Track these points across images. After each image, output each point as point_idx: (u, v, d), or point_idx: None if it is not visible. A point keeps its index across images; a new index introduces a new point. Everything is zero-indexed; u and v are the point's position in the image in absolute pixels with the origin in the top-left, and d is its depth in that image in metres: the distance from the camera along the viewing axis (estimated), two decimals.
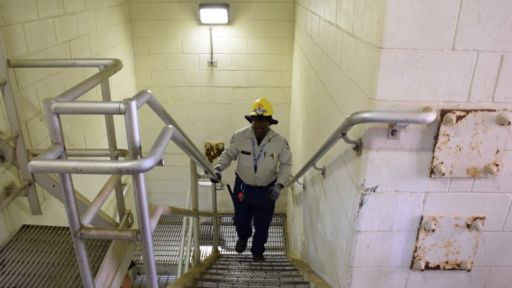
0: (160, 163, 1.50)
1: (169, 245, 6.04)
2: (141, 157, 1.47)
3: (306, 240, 3.88)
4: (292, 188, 5.39)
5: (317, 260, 3.11)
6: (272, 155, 4.15)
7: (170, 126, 1.75)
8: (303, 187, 4.11)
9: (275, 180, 4.34)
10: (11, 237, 2.57)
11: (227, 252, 5.77)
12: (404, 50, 1.57)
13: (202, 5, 5.40)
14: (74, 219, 1.65)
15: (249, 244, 5.17)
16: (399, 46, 1.56)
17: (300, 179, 4.09)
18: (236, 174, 4.48)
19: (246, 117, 4.27)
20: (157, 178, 6.54)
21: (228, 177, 5.18)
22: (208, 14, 5.42)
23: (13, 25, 2.62)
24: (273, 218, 4.90)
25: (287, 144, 4.24)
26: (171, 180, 6.56)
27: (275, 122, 4.18)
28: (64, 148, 1.54)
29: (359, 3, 1.86)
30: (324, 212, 2.80)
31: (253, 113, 4.01)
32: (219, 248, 5.58)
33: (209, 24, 5.58)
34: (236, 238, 5.18)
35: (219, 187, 4.94)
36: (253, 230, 4.96)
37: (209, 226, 6.44)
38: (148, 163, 1.39)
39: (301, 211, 4.46)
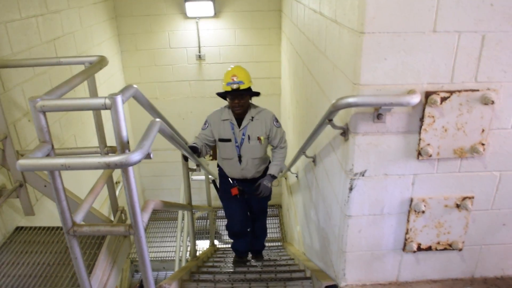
0: (148, 156, 1.50)
1: (165, 241, 6.06)
2: (129, 151, 1.47)
3: (301, 229, 3.90)
4: (285, 178, 5.41)
5: (312, 248, 3.13)
6: (259, 138, 3.29)
7: (157, 119, 1.76)
8: (296, 176, 4.13)
9: (266, 169, 3.53)
10: (4, 240, 2.56)
11: (224, 246, 5.80)
12: (386, 34, 1.58)
13: None
14: (66, 217, 1.65)
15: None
16: (380, 30, 1.57)
17: (293, 169, 4.10)
18: (218, 166, 3.65)
19: (218, 94, 3.32)
20: (150, 174, 6.53)
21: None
22: (194, 7, 5.40)
23: None
24: (268, 210, 4.17)
25: (277, 121, 3.38)
26: (164, 176, 6.56)
27: (257, 94, 3.29)
28: (52, 146, 1.54)
29: None
30: (316, 200, 2.82)
31: (227, 88, 3.13)
32: (216, 242, 5.61)
33: (195, 18, 5.56)
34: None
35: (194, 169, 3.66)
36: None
37: (205, 221, 6.46)
38: (135, 156, 1.39)
39: (295, 200, 4.48)
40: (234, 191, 3.49)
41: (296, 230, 4.23)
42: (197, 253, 3.83)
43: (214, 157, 6.19)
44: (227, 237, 5.88)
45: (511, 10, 1.55)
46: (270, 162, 3.56)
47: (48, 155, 1.52)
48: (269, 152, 3.63)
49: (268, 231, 6.05)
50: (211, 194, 5.07)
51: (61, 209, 1.64)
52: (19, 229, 2.67)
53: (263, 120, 3.30)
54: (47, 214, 3.06)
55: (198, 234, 6.08)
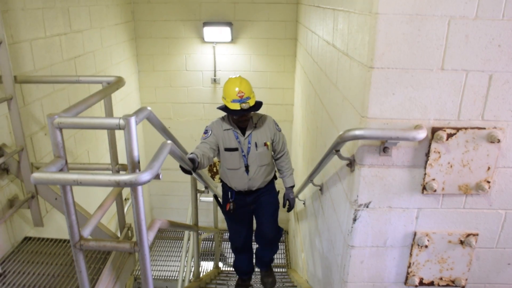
0: (157, 177, 1.55)
1: (170, 261, 6.05)
2: (139, 170, 1.52)
3: (306, 256, 3.89)
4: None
5: (315, 276, 3.12)
6: (265, 144, 3.13)
7: (169, 141, 1.81)
8: (304, 204, 4.14)
9: (272, 180, 3.40)
10: (13, 249, 2.61)
11: (228, 268, 5.77)
12: (394, 70, 1.62)
13: (206, 24, 5.51)
14: (74, 230, 1.70)
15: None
16: (389, 66, 1.62)
17: (301, 196, 4.11)
18: (221, 180, 3.40)
19: (220, 109, 3.07)
20: (159, 193, 6.58)
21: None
22: (211, 33, 5.53)
23: (20, 43, 2.71)
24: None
25: (277, 125, 3.24)
26: (173, 196, 6.59)
27: (261, 104, 3.06)
28: (66, 161, 1.60)
29: (353, 24, 1.93)
30: (321, 228, 2.82)
31: (234, 106, 2.90)
32: (220, 264, 5.58)
33: (212, 42, 5.69)
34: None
35: (202, 191, 3.81)
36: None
37: (211, 242, 6.45)
38: (145, 176, 1.44)
39: (301, 227, 4.47)
40: (227, 206, 3.28)
41: (301, 257, 4.21)
42: (201, 275, 3.83)
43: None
44: (231, 260, 5.87)
45: None
46: (275, 174, 3.41)
47: (61, 170, 1.58)
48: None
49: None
50: (218, 216, 5.09)
51: (70, 223, 1.68)
52: (27, 239, 2.72)
53: (266, 125, 3.15)
54: (55, 227, 3.11)
55: (203, 255, 6.06)
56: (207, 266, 5.89)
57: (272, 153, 3.28)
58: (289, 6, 5.55)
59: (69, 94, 3.39)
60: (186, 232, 4.72)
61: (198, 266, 3.46)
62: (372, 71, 1.63)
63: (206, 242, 6.48)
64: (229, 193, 3.29)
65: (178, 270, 5.59)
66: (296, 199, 3.97)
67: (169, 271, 5.78)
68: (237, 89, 2.89)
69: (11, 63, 2.29)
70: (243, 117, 3.00)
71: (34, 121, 2.89)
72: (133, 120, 1.50)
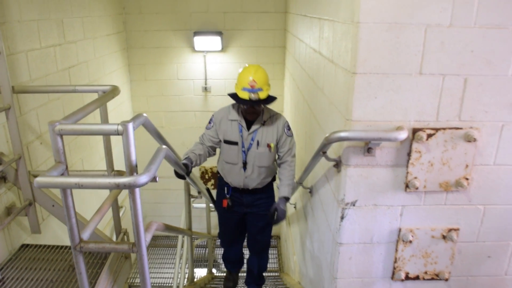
0: (154, 179, 1.63)
1: (163, 268, 6.09)
2: (137, 174, 1.60)
3: (297, 258, 3.97)
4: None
5: (307, 276, 3.20)
6: (268, 146, 2.92)
7: (164, 146, 1.89)
8: (294, 207, 4.23)
9: (271, 181, 3.20)
10: (10, 256, 2.66)
11: (222, 274, 5.82)
12: (376, 75, 1.73)
13: (196, 33, 5.62)
14: (74, 233, 1.76)
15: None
16: (371, 71, 1.73)
17: (292, 200, 4.20)
18: (218, 173, 3.25)
19: (230, 95, 2.90)
20: (152, 201, 6.63)
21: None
22: (202, 42, 5.63)
23: (17, 54, 2.79)
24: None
25: (289, 129, 2.99)
26: (165, 203, 6.65)
27: (273, 99, 2.88)
28: (66, 166, 1.68)
29: (337, 33, 2.04)
30: (312, 229, 2.92)
31: (243, 94, 2.76)
32: (214, 271, 5.63)
33: (203, 51, 5.79)
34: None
35: (195, 197, 3.79)
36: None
37: (204, 249, 6.50)
38: (143, 179, 1.53)
39: (293, 231, 4.56)
40: (224, 202, 3.14)
41: (292, 260, 4.29)
42: (195, 280, 3.89)
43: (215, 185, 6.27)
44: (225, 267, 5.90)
45: (489, 56, 1.70)
46: (275, 176, 3.21)
47: (62, 175, 1.65)
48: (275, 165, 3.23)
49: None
50: (211, 222, 5.16)
51: (70, 226, 1.75)
52: (24, 246, 2.77)
53: (275, 125, 2.93)
54: (51, 234, 3.16)
55: (196, 262, 6.10)
56: (200, 273, 5.93)
57: (276, 157, 3.10)
58: (277, 15, 5.68)
59: (63, 104, 3.46)
60: (180, 239, 4.78)
61: (192, 270, 3.53)
62: (355, 76, 1.74)
63: (199, 249, 6.53)
64: (226, 188, 3.14)
65: (172, 277, 5.64)
66: (288, 204, 4.01)
67: (162, 278, 5.82)
68: (250, 78, 2.74)
69: (9, 74, 2.37)
70: (250, 109, 2.82)
71: (30, 130, 2.95)
72: (130, 125, 1.59)
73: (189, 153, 2.89)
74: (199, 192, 3.42)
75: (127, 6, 5.58)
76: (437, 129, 1.81)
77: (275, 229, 6.74)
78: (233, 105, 2.99)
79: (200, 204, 5.21)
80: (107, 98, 2.23)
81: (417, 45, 1.69)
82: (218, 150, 3.13)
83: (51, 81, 3.26)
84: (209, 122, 3.02)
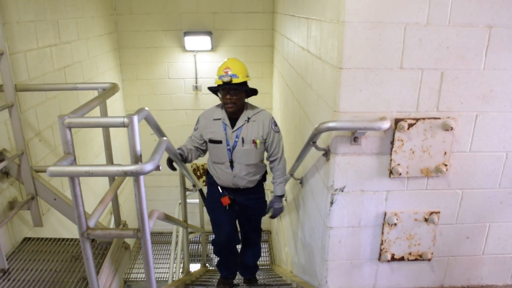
0: (157, 168, 1.76)
1: (159, 263, 6.20)
2: (142, 163, 1.73)
3: (289, 249, 4.12)
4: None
5: (299, 265, 3.35)
6: (254, 142, 2.93)
7: (165, 138, 2.02)
8: (285, 200, 4.37)
9: (262, 179, 3.21)
10: (13, 249, 2.76)
11: (215, 268, 5.94)
12: (360, 70, 1.88)
13: (186, 33, 5.73)
14: (82, 221, 1.88)
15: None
16: (356, 67, 1.88)
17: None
18: (207, 173, 3.26)
19: (210, 88, 3.02)
20: (146, 198, 6.71)
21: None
22: (192, 42, 5.75)
23: (16, 54, 2.88)
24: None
25: (276, 124, 3.02)
26: (158, 200, 6.74)
27: (254, 92, 2.99)
28: (75, 157, 1.80)
29: (324, 31, 2.19)
30: (303, 218, 3.06)
31: (218, 81, 2.83)
32: (207, 265, 5.76)
33: (193, 51, 5.91)
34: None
35: (190, 191, 3.78)
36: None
37: (197, 245, 6.62)
38: (148, 166, 1.65)
39: (284, 223, 4.71)
40: (225, 200, 3.10)
41: (284, 251, 4.44)
42: (190, 271, 4.01)
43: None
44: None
45: (463, 52, 1.87)
46: (266, 172, 3.23)
47: (71, 165, 1.77)
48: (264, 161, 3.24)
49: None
50: (204, 217, 5.27)
51: (78, 214, 1.86)
52: (27, 239, 2.87)
53: (260, 121, 2.95)
54: (51, 228, 3.26)
55: (190, 257, 6.22)
56: (194, 268, 6.05)
57: (266, 155, 3.13)
58: (265, 15, 5.82)
59: (60, 102, 3.55)
60: (174, 234, 4.91)
61: (188, 261, 3.65)
62: (341, 71, 1.89)
63: (193, 244, 6.64)
64: (219, 187, 3.14)
65: (167, 272, 5.75)
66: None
67: (158, 272, 5.93)
68: (225, 66, 2.84)
69: (11, 73, 2.47)
70: (227, 98, 2.85)
71: (29, 127, 3.05)
72: (135, 118, 1.71)
73: (182, 147, 3.02)
74: (194, 185, 3.54)
75: (118, 7, 5.68)
76: (417, 119, 1.97)
77: (266, 224, 6.89)
78: (217, 105, 3.07)
79: (193, 200, 5.32)
80: (108, 95, 2.35)
81: (398, 42, 1.85)
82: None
83: (48, 80, 3.35)
84: (196, 123, 3.09)
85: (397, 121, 1.97)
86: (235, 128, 2.96)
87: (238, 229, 3.47)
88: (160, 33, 5.86)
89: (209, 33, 5.78)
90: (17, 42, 2.91)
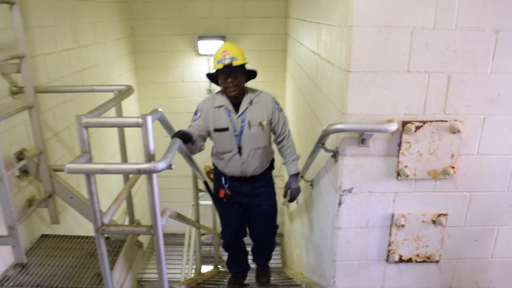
0: (170, 167, 1.82)
1: (171, 264, 6.28)
2: (155, 161, 1.80)
3: (300, 251, 4.15)
4: (287, 206, 5.67)
5: (309, 266, 3.38)
6: (261, 124, 2.86)
7: (177, 139, 2.09)
8: (297, 202, 4.41)
9: (270, 166, 3.12)
10: (31, 245, 2.85)
11: (227, 270, 5.99)
12: (368, 73, 1.92)
13: (200, 38, 5.83)
14: (97, 217, 1.95)
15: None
16: (363, 70, 1.92)
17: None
18: (213, 165, 3.17)
19: (208, 76, 2.95)
20: (160, 201, 6.81)
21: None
22: (206, 46, 5.84)
23: (36, 57, 2.99)
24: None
25: (278, 104, 2.99)
26: (172, 202, 6.80)
27: (253, 74, 2.91)
28: (91, 156, 1.87)
29: (333, 36, 2.24)
30: (313, 220, 3.10)
31: (218, 66, 2.75)
32: (219, 267, 5.81)
33: (207, 55, 6.00)
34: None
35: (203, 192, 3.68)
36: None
37: (210, 247, 6.68)
38: (161, 165, 1.72)
39: (295, 226, 4.74)
40: (221, 193, 3.04)
41: (295, 253, 4.47)
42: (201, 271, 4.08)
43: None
44: None
45: (470, 56, 1.89)
46: (273, 160, 3.14)
47: (87, 163, 1.85)
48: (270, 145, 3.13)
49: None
50: (216, 219, 5.34)
51: (93, 210, 1.93)
52: (44, 236, 2.97)
53: (263, 103, 2.89)
54: (67, 226, 3.35)
55: (202, 258, 6.28)
56: (206, 269, 6.11)
57: (273, 136, 3.05)
58: (278, 20, 5.89)
59: (77, 104, 3.65)
60: (187, 235, 4.98)
61: (200, 262, 3.71)
62: (349, 74, 1.93)
63: (205, 246, 6.71)
64: (223, 178, 3.05)
65: (179, 272, 5.82)
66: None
67: (170, 273, 6.00)
68: (222, 50, 2.77)
69: (32, 75, 2.57)
70: (229, 81, 2.76)
71: (47, 128, 3.15)
72: (149, 118, 1.78)
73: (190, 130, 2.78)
74: (205, 183, 3.59)
75: (134, 12, 5.80)
76: (424, 122, 2.00)
77: (279, 227, 6.91)
78: (216, 93, 2.97)
79: (206, 202, 5.39)
80: (123, 96, 2.43)
81: (404, 46, 1.89)
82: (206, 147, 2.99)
83: (65, 82, 3.46)
84: (195, 114, 2.94)
85: (404, 123, 2.00)
86: (240, 112, 2.86)
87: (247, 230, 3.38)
88: (175, 37, 5.97)
89: (222, 37, 5.86)
90: (37, 46, 3.02)
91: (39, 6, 3.07)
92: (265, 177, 3.09)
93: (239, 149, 2.89)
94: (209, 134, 2.94)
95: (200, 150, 2.85)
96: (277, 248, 6.58)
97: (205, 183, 3.57)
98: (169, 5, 5.80)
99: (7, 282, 2.41)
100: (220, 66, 2.73)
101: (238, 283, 3.51)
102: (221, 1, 5.83)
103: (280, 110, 2.97)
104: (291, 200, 3.09)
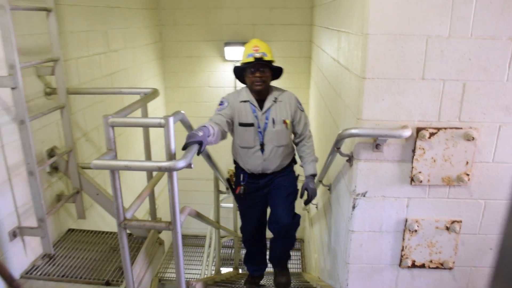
0: (189, 166, 1.91)
1: (192, 264, 6.40)
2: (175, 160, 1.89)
3: (318, 255, 4.18)
4: (308, 211, 5.70)
5: (325, 270, 3.42)
6: (284, 122, 2.87)
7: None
8: (316, 207, 4.45)
9: (290, 164, 3.09)
10: (59, 238, 3.00)
11: (247, 272, 6.05)
12: (383, 80, 1.97)
13: (226, 44, 5.96)
14: (120, 212, 2.06)
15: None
16: (379, 77, 1.97)
17: (314, 200, 4.40)
18: (235, 162, 3.17)
19: (235, 70, 2.99)
20: (182, 202, 6.95)
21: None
22: (232, 52, 5.96)
23: (69, 60, 3.16)
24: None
25: (300, 104, 2.99)
26: (194, 204, 6.90)
27: (279, 72, 2.96)
28: (116, 153, 1.99)
29: (350, 43, 2.30)
30: (330, 224, 3.14)
31: (248, 59, 2.78)
32: (239, 269, 5.89)
33: (233, 61, 6.12)
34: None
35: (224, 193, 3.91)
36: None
37: (230, 250, 6.77)
38: (181, 163, 1.82)
39: (314, 231, 4.77)
40: (238, 189, 3.05)
41: (313, 257, 4.50)
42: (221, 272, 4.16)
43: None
44: None
45: (485, 64, 1.92)
46: (295, 154, 3.13)
47: (112, 159, 1.96)
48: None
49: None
50: (238, 221, 5.42)
51: (116, 205, 2.05)
52: (70, 230, 3.12)
53: (287, 101, 2.91)
54: (93, 222, 3.50)
55: (222, 260, 6.38)
56: (226, 271, 6.20)
57: (293, 136, 3.05)
58: (303, 27, 5.96)
59: (106, 106, 3.82)
60: (208, 236, 5.08)
61: (219, 262, 3.79)
62: (364, 81, 1.99)
63: (226, 249, 6.80)
64: (241, 175, 3.05)
65: (199, 274, 5.93)
66: (310, 205, 4.18)
67: (191, 274, 6.12)
68: (253, 45, 2.82)
69: (64, 77, 2.72)
70: (257, 76, 2.78)
71: (77, 128, 3.31)
72: (171, 119, 1.89)
73: (206, 124, 2.65)
74: (227, 188, 3.68)
75: (163, 18, 5.99)
76: (439, 129, 2.03)
77: (299, 232, 6.94)
78: (241, 89, 2.99)
79: (228, 204, 5.48)
80: (149, 99, 2.55)
81: (420, 54, 1.93)
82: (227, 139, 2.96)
83: (96, 85, 3.63)
84: (221, 104, 2.93)
85: (418, 129, 2.04)
86: (264, 109, 2.88)
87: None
88: (202, 43, 6.12)
89: None
90: (70, 50, 3.19)
91: (74, 13, 3.25)
92: (287, 169, 3.07)
93: (262, 146, 2.89)
94: (232, 126, 2.92)
95: (223, 138, 2.82)
96: (297, 253, 6.61)
97: (228, 180, 3.55)
98: (197, 12, 5.96)
99: (35, 271, 2.56)
100: (251, 59, 2.76)
101: (254, 283, 3.52)
102: (247, 8, 5.95)
103: (302, 110, 2.97)
104: (307, 201, 2.99)
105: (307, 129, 3.00)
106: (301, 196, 3.01)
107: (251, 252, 3.46)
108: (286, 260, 3.41)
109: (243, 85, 3.06)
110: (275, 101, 2.89)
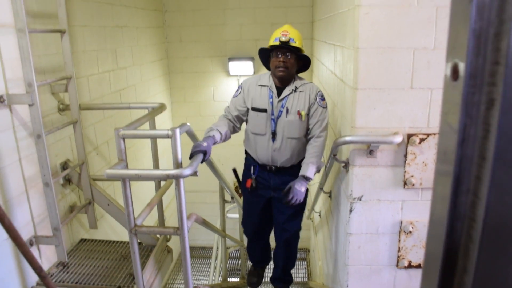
0: (195, 174, 2.06)
1: (200, 275, 6.50)
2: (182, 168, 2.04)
3: (321, 261, 4.28)
4: (312, 220, 5.80)
5: (328, 275, 3.52)
6: (299, 113, 2.70)
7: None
8: (319, 215, 4.56)
9: (300, 163, 2.79)
10: (72, 247, 3.14)
11: None
12: (374, 90, 2.12)
13: (230, 59, 6.15)
14: (131, 219, 2.20)
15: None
16: (370, 87, 2.11)
17: (317, 208, 4.53)
18: (246, 153, 3.09)
19: (260, 52, 2.86)
20: (189, 212, 7.08)
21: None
22: (236, 67, 6.15)
23: (81, 78, 3.34)
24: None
25: (323, 99, 2.74)
26: (202, 216, 7.07)
27: (307, 62, 2.85)
28: (127, 163, 2.14)
29: (344, 56, 2.45)
30: (331, 229, 3.26)
31: (275, 42, 2.67)
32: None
33: (237, 75, 6.30)
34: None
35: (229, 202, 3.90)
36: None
37: (237, 260, 6.87)
38: (187, 171, 1.96)
39: (318, 239, 4.87)
40: (248, 182, 2.96)
41: (318, 265, 4.59)
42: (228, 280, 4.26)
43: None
44: None
45: None
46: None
47: (124, 169, 2.11)
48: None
49: (294, 275, 6.24)
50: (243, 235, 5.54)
51: (127, 212, 2.19)
52: (83, 240, 3.26)
53: (307, 93, 2.73)
54: (104, 232, 3.64)
55: (229, 271, 6.47)
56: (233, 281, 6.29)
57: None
58: (304, 41, 6.04)
59: (115, 121, 3.99)
60: (214, 246, 5.19)
61: (225, 270, 3.90)
62: (357, 91, 2.13)
63: (232, 260, 6.90)
64: (252, 167, 2.94)
65: (207, 283, 6.03)
66: (314, 213, 4.34)
67: (198, 283, 6.21)
68: (282, 30, 2.71)
69: (77, 94, 2.90)
70: (281, 60, 2.66)
71: (89, 142, 3.47)
72: (178, 131, 2.04)
73: (213, 130, 2.78)
74: (232, 198, 3.81)
75: (169, 36, 6.20)
76: (428, 134, 2.16)
77: (305, 241, 7.03)
78: (263, 74, 2.90)
79: (233, 215, 5.60)
80: (156, 112, 2.71)
81: (407, 65, 2.07)
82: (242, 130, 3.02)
83: (106, 101, 3.80)
84: (237, 90, 2.90)
85: (409, 136, 2.17)
86: (281, 97, 2.74)
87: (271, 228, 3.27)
88: (207, 59, 6.31)
89: (251, 58, 6.16)
90: (82, 68, 3.37)
91: (85, 33, 3.44)
92: (295, 170, 2.80)
93: (273, 135, 2.77)
94: (246, 112, 2.88)
95: (235, 131, 2.90)
96: (303, 262, 6.69)
97: (234, 170, 3.43)
98: (202, 29, 6.17)
99: (50, 279, 2.69)
100: (277, 43, 2.66)
101: (256, 275, 3.52)
102: (250, 25, 6.15)
103: (322, 107, 2.72)
104: (287, 200, 2.67)
105: (320, 128, 2.72)
106: (284, 193, 2.71)
107: (253, 244, 3.44)
108: (287, 279, 3.43)
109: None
110: (294, 90, 2.74)
